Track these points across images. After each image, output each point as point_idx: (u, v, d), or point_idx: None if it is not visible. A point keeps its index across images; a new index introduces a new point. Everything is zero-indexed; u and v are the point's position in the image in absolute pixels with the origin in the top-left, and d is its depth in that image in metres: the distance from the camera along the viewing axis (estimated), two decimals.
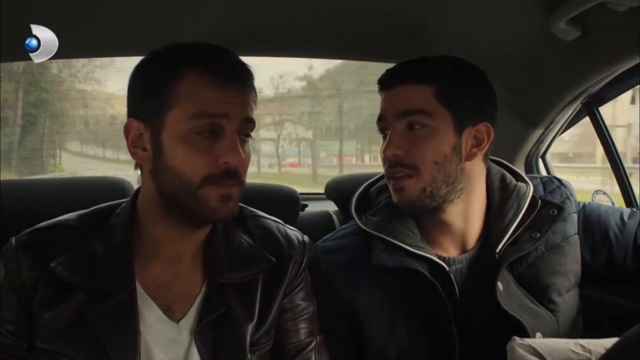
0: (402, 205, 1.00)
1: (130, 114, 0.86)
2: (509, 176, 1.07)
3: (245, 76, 0.86)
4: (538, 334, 0.96)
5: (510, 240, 1.00)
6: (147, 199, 0.88)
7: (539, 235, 1.00)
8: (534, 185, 1.06)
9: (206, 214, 0.84)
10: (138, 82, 0.87)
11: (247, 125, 0.85)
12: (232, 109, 0.82)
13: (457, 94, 0.97)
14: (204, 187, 0.82)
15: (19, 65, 3.74)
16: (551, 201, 1.04)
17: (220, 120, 0.82)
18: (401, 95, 0.99)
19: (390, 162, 0.99)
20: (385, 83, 1.02)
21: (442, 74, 0.98)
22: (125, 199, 0.93)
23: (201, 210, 0.83)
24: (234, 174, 0.83)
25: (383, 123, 1.02)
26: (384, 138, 1.02)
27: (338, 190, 1.58)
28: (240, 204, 0.98)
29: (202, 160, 0.81)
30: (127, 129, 0.86)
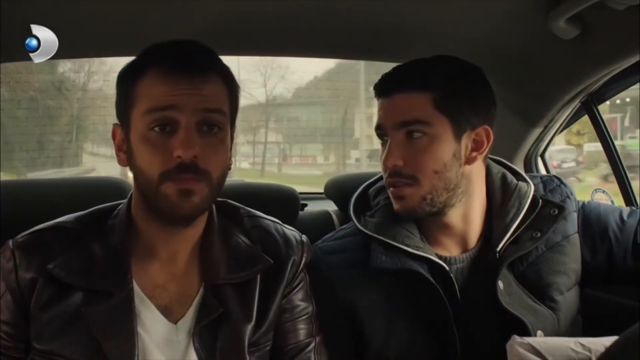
0: (402, 212, 1.00)
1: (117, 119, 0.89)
2: (509, 175, 1.07)
3: (203, 67, 0.83)
4: (539, 332, 0.96)
5: (511, 239, 1.00)
6: (136, 199, 0.89)
7: (539, 234, 1.00)
8: (534, 185, 1.05)
9: (168, 211, 0.83)
10: (117, 87, 0.88)
11: (210, 115, 0.82)
12: (184, 100, 0.80)
13: (456, 100, 0.96)
14: (162, 183, 0.81)
15: (73, 113, 6.36)
16: (552, 201, 1.04)
17: (171, 113, 0.80)
18: (399, 104, 0.97)
19: (389, 172, 0.98)
20: (383, 90, 1.00)
21: (440, 79, 0.97)
22: (124, 200, 0.93)
23: (164, 207, 0.82)
24: (190, 168, 0.80)
25: (381, 131, 1.00)
26: (383, 145, 1.01)
27: (338, 190, 1.58)
28: (237, 203, 0.98)
29: (157, 156, 0.81)
30: (113, 135, 0.88)
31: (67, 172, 5.84)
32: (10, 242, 0.86)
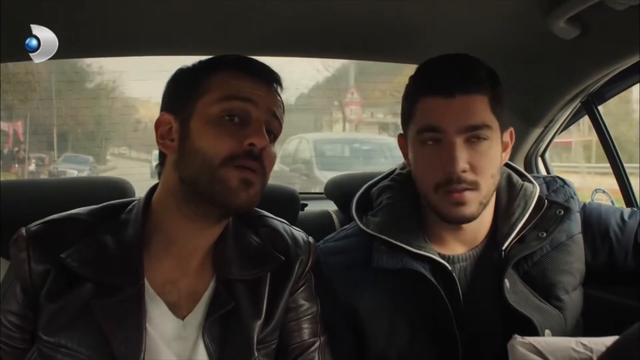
0: (461, 219, 0.95)
1: (162, 108, 0.90)
2: (515, 176, 1.06)
3: (274, 79, 0.90)
4: (547, 331, 0.95)
5: (517, 238, 1.00)
6: (166, 191, 0.88)
7: (545, 234, 0.99)
8: (537, 185, 1.06)
9: (222, 196, 0.83)
10: (176, 81, 0.91)
11: (274, 121, 0.88)
12: (260, 97, 0.86)
13: (502, 100, 0.96)
14: (224, 166, 0.82)
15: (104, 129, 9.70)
16: (557, 201, 1.03)
17: (247, 105, 0.84)
18: (463, 106, 0.92)
19: (448, 178, 0.93)
20: (442, 89, 0.93)
21: (492, 80, 0.95)
22: (126, 199, 0.93)
23: (218, 192, 0.82)
24: (257, 158, 0.83)
25: (435, 134, 0.93)
26: (436, 146, 0.94)
27: (338, 190, 1.58)
28: None
29: (227, 140, 0.83)
30: (157, 123, 0.89)
31: (99, 168, 9.03)
32: (24, 231, 0.85)
